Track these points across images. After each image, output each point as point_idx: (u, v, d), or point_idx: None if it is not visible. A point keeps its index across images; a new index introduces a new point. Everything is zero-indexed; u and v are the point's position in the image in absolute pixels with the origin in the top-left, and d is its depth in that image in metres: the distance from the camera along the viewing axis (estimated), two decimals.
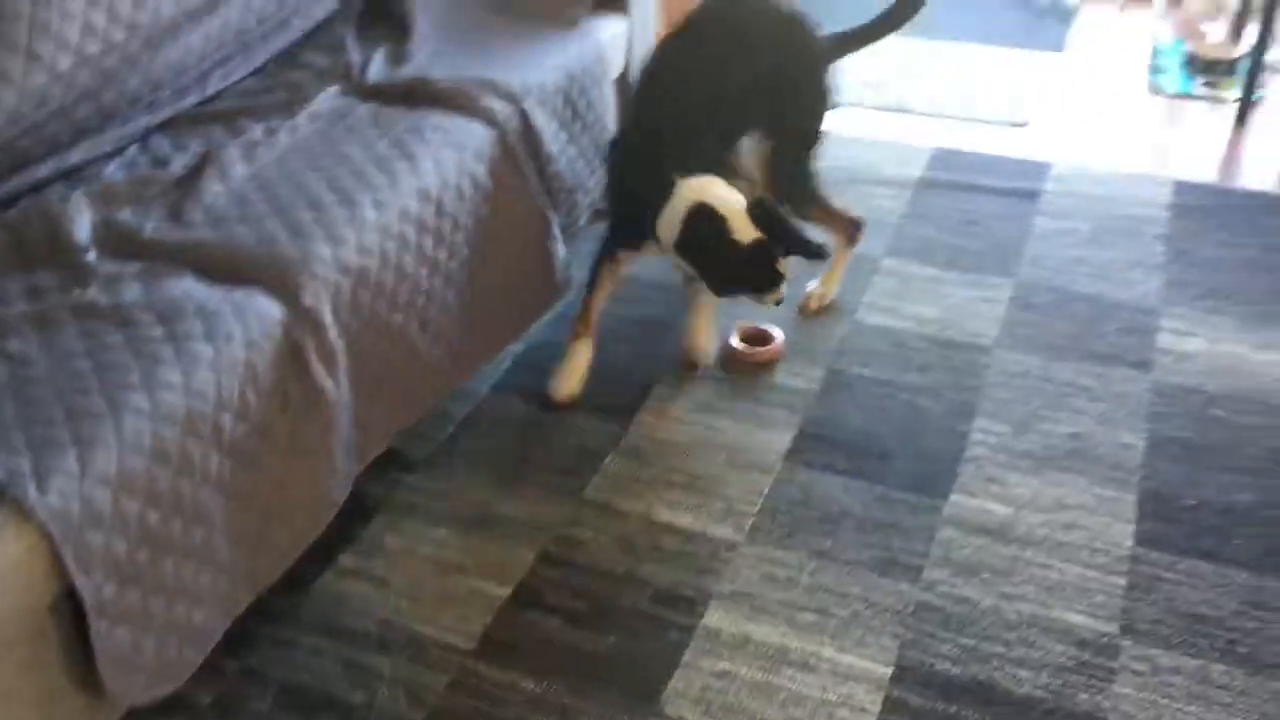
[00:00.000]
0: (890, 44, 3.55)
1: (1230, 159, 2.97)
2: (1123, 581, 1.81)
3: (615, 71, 2.60)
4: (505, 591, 1.82)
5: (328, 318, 1.68)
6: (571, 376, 2.21)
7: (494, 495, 2.00)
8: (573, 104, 2.36)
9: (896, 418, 2.14)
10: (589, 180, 2.47)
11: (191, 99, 2.11)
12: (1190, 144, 3.05)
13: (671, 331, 2.37)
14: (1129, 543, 1.88)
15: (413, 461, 2.07)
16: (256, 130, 1.99)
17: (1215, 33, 3.59)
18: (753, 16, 2.16)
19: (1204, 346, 2.29)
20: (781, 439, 2.10)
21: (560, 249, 2.24)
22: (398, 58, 2.29)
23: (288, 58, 2.29)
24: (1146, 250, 2.58)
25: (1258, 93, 3.12)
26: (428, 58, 2.28)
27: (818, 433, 2.11)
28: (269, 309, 1.62)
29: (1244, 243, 2.60)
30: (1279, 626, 1.73)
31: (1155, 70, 3.38)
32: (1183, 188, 2.81)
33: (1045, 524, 1.92)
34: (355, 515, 1.94)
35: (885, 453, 2.06)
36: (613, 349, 2.32)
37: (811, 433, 2.11)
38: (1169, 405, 2.15)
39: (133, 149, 1.97)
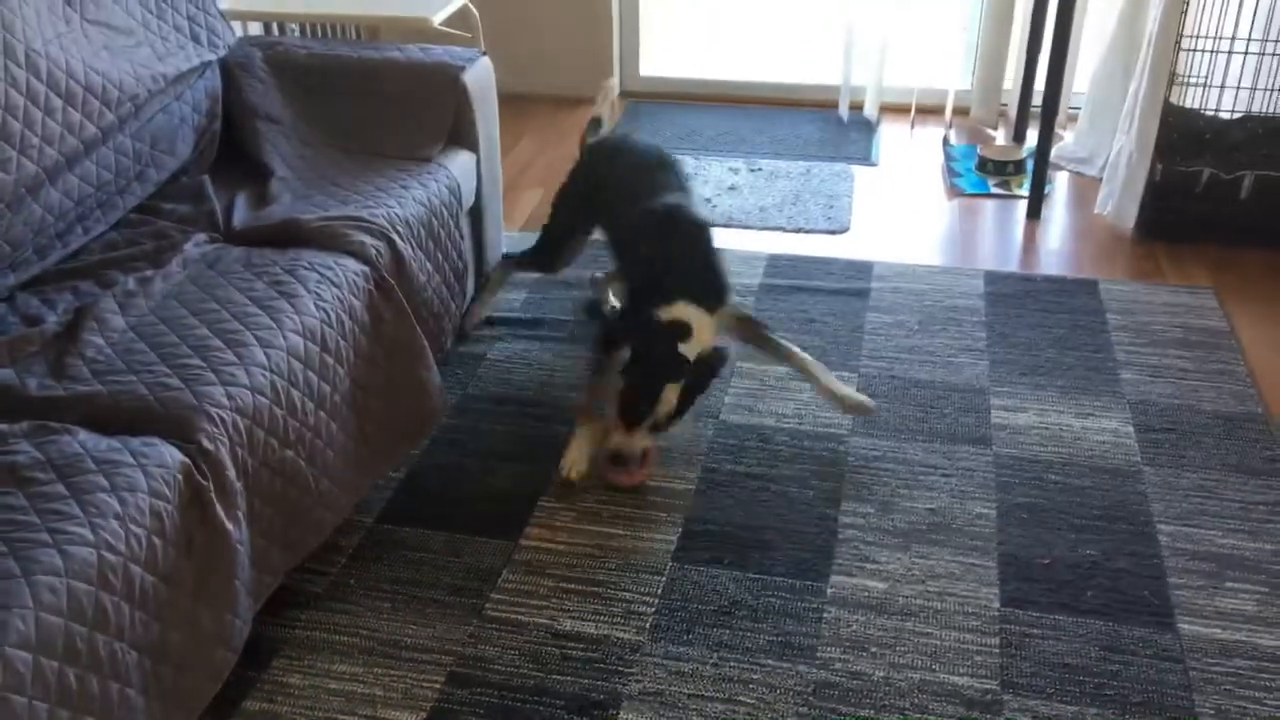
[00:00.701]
0: (713, 165, 3.81)
1: (1028, 249, 3.29)
2: (996, 641, 1.96)
3: (469, 202, 2.71)
4: (418, 718, 1.83)
5: (226, 458, 1.70)
6: (581, 456, 2.33)
7: (395, 622, 2.01)
8: (434, 235, 2.45)
9: (771, 509, 2.26)
10: (452, 306, 2.56)
11: (55, 256, 2.10)
12: (992, 238, 3.36)
13: (550, 447, 2.44)
14: (996, 604, 2.04)
15: (308, 597, 2.06)
16: (129, 281, 1.99)
17: (1000, 137, 3.98)
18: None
19: (1034, 419, 2.52)
20: (668, 539, 2.19)
21: (435, 375, 2.30)
22: (260, 201, 2.34)
23: (148, 209, 2.30)
24: (970, 336, 2.83)
25: (1046, 187, 3.48)
26: (291, 200, 2.33)
27: (702, 530, 2.21)
28: (169, 455, 1.62)
29: (1053, 323, 2.87)
30: (1137, 667, 1.91)
31: (952, 174, 3.72)
32: (992, 277, 3.09)
33: (920, 595, 2.06)
34: (255, 657, 1.91)
35: (766, 543, 2.18)
36: (495, 466, 2.38)
37: (696, 530, 2.21)
38: (1012, 475, 2.35)
39: (0, 309, 1.94)
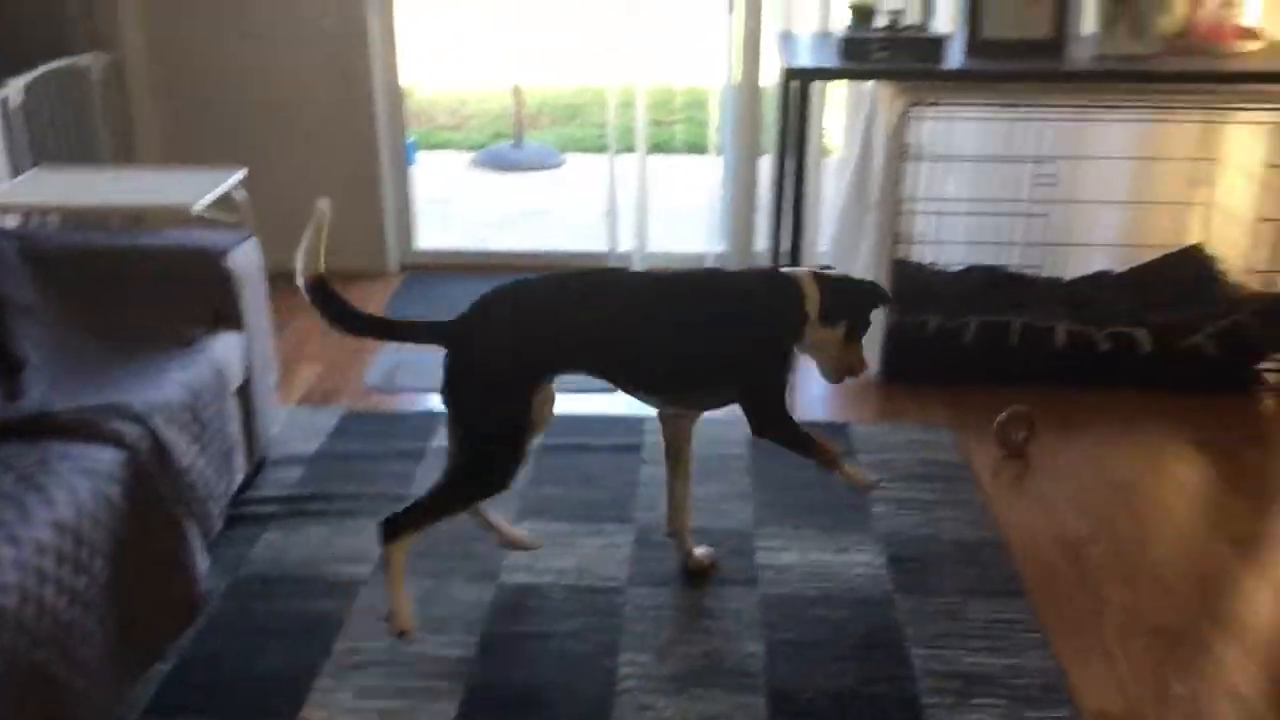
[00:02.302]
0: None
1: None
2: None
3: (235, 383, 2.72)
4: None
5: None
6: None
7: None
8: (199, 418, 2.44)
9: (552, 667, 2.30)
10: (219, 487, 2.53)
11: None
12: None
13: (324, 625, 2.41)
14: None
15: None
16: None
17: None
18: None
19: (796, 558, 2.67)
20: (448, 709, 2.18)
21: (202, 560, 2.26)
22: (11, 394, 2.29)
23: None
24: (737, 483, 2.98)
25: None
26: (45, 391, 2.30)
27: (483, 696, 2.22)
28: None
29: (811, 465, 3.05)
30: None
31: None
32: None
33: None
34: None
35: (548, 702, 2.21)
36: (267, 648, 2.33)
37: (477, 697, 2.22)
38: (778, 613, 2.47)
39: None
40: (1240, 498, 3.01)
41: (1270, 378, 3.56)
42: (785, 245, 3.87)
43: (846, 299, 2.48)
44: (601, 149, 6.89)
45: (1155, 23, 3.50)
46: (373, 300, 4.24)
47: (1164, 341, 3.50)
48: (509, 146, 6.72)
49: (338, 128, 4.30)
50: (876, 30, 3.58)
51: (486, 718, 2.17)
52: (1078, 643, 2.40)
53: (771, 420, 2.49)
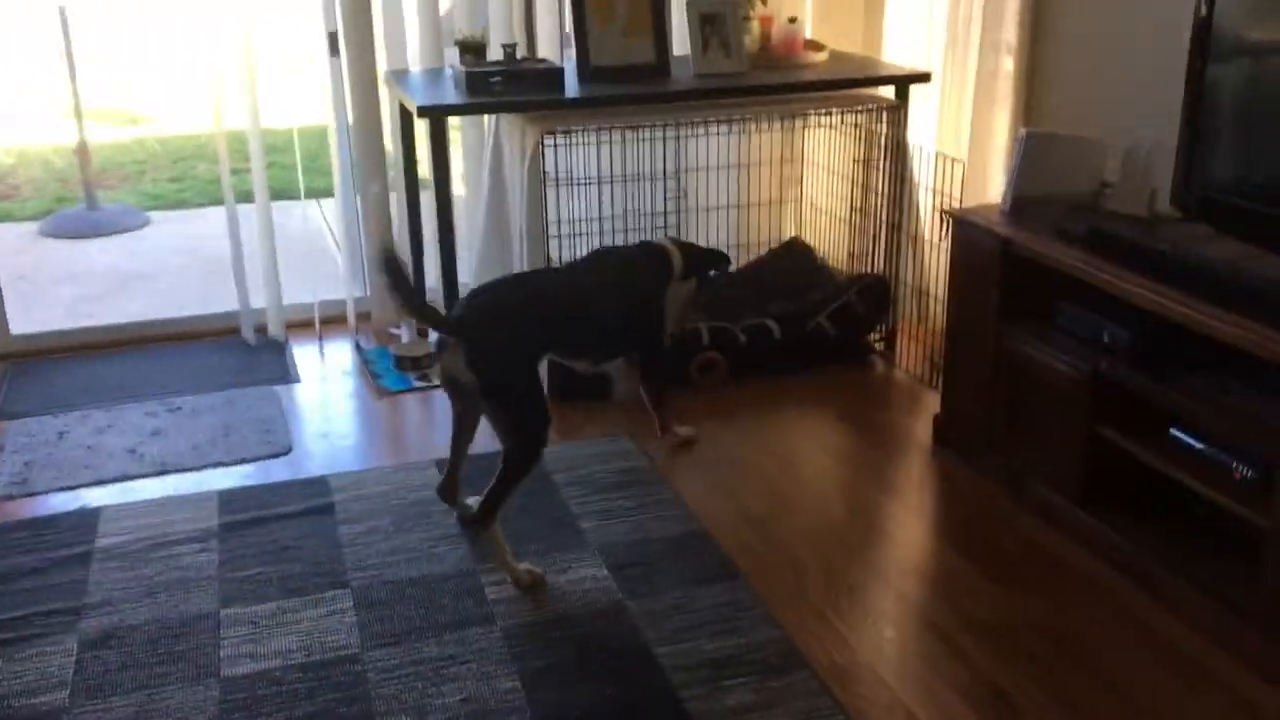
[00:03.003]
0: (129, 412, 3.61)
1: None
2: None
3: None
4: None
5: None
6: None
7: None
8: None
9: None
10: None
11: None
12: (433, 427, 3.55)
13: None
14: None
15: None
16: None
17: (405, 334, 4.22)
18: None
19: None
20: None
21: None
22: None
23: None
24: (442, 525, 2.96)
25: None
26: None
27: None
28: None
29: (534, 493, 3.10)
30: None
31: (375, 376, 3.88)
32: (474, 460, 3.23)
33: None
34: None
35: None
36: None
37: None
38: (522, 644, 2.49)
39: None
40: (880, 451, 3.41)
41: (878, 346, 4.05)
42: (431, 281, 3.88)
43: (697, 259, 3.25)
44: (183, 203, 6.52)
45: (741, 42, 3.87)
46: None
47: (790, 328, 3.88)
48: (83, 209, 6.14)
49: None
50: (494, 64, 3.67)
51: None
52: (795, 609, 2.62)
53: (657, 365, 3.33)
